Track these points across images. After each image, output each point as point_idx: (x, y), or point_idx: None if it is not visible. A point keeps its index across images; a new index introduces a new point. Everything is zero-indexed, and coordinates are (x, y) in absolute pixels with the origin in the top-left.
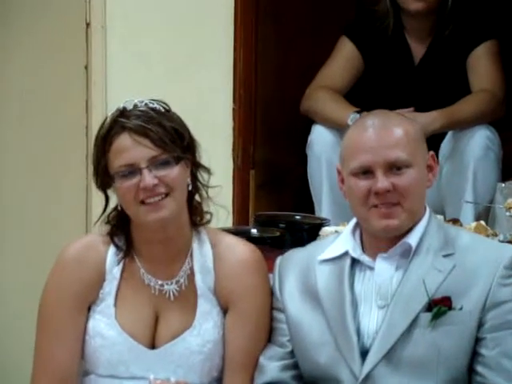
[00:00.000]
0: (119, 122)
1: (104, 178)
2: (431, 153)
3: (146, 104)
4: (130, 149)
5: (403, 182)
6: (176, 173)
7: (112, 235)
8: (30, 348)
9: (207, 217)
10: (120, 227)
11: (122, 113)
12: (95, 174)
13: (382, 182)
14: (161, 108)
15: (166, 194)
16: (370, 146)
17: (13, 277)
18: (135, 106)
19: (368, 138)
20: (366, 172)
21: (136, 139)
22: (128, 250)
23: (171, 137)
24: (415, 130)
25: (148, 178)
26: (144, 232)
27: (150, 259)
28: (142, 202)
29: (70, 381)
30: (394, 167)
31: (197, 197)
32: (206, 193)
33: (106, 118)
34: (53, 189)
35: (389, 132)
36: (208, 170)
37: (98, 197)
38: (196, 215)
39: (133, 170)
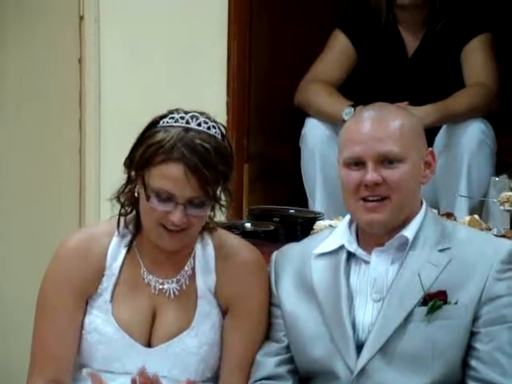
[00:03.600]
0: (181, 149)
1: (138, 174)
2: (430, 149)
3: (208, 127)
4: (178, 182)
5: (394, 176)
6: (205, 213)
7: (122, 217)
8: (25, 342)
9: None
10: (131, 213)
11: (188, 131)
12: (130, 161)
13: (372, 174)
14: (218, 134)
15: (186, 228)
16: (363, 138)
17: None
18: (199, 124)
19: (362, 129)
20: (358, 163)
21: (187, 176)
22: (131, 245)
23: (219, 180)
24: (413, 123)
25: (179, 215)
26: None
27: (152, 259)
28: (162, 225)
29: (65, 373)
30: (385, 160)
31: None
32: (220, 209)
33: (163, 120)
34: (46, 183)
35: (383, 124)
36: (231, 196)
37: (91, 191)
38: (205, 228)
39: (169, 198)
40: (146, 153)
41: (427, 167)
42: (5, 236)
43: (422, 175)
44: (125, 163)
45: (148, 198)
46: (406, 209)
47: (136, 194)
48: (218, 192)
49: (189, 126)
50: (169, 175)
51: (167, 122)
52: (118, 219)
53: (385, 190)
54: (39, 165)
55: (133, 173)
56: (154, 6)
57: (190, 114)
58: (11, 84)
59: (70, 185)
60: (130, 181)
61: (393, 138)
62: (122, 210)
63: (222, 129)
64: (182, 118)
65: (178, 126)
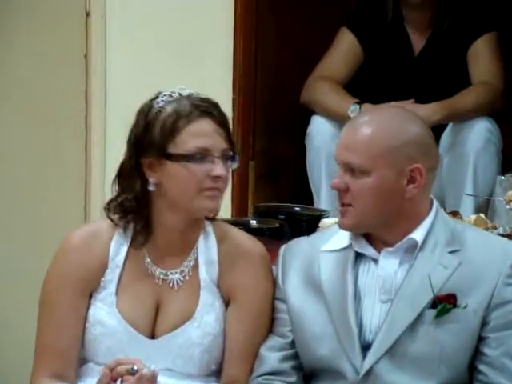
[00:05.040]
0: (200, 105)
1: (155, 157)
2: (417, 166)
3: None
4: (211, 135)
5: (355, 186)
6: (229, 171)
7: (126, 221)
8: (25, 337)
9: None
10: (140, 213)
11: (190, 97)
12: (137, 152)
13: (335, 180)
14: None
15: (221, 188)
16: (339, 144)
17: (8, 266)
18: (202, 98)
19: (341, 136)
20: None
21: (216, 128)
22: (135, 238)
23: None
24: (392, 136)
25: (221, 167)
26: (171, 218)
27: (157, 248)
28: (204, 189)
29: (70, 367)
30: (350, 169)
31: None
32: None
33: (157, 101)
34: (52, 178)
35: (355, 134)
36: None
37: (96, 187)
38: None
39: (205, 157)
40: (164, 128)
41: (411, 182)
42: (8, 229)
43: (401, 189)
44: (130, 161)
45: (181, 162)
46: (382, 217)
47: (152, 188)
48: None
49: (184, 94)
50: (200, 132)
51: (162, 101)
52: (127, 223)
53: (349, 197)
54: (45, 162)
55: (149, 163)
56: (159, 5)
57: (178, 88)
58: (15, 80)
59: (76, 179)
60: (143, 180)
61: (358, 149)
62: (125, 217)
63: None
64: (173, 92)
65: (176, 98)
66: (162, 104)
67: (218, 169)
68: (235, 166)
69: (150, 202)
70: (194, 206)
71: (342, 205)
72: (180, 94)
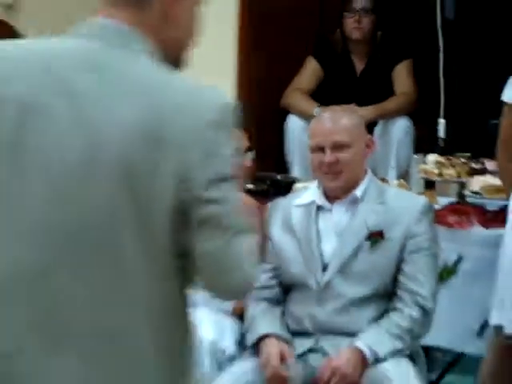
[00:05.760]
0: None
1: None
2: (370, 137)
3: None
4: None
5: (344, 157)
6: None
7: None
8: None
9: None
10: None
11: None
12: None
13: (329, 156)
14: None
15: None
16: (322, 131)
17: None
18: None
19: (322, 125)
20: (320, 149)
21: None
22: None
23: None
24: (356, 121)
25: (249, 159)
26: None
27: None
28: None
29: None
30: (338, 146)
31: None
32: None
33: None
34: None
35: (336, 122)
36: None
37: None
38: None
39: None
40: None
41: (368, 148)
42: None
43: (365, 154)
44: None
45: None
46: (355, 177)
47: None
48: None
49: None
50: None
51: None
52: None
53: (339, 166)
54: None
55: None
56: None
57: None
58: None
59: None
60: None
61: (342, 130)
62: None
63: None
64: None
65: None
66: None
67: (248, 160)
68: (252, 156)
69: None
70: None
71: (334, 173)
72: None
